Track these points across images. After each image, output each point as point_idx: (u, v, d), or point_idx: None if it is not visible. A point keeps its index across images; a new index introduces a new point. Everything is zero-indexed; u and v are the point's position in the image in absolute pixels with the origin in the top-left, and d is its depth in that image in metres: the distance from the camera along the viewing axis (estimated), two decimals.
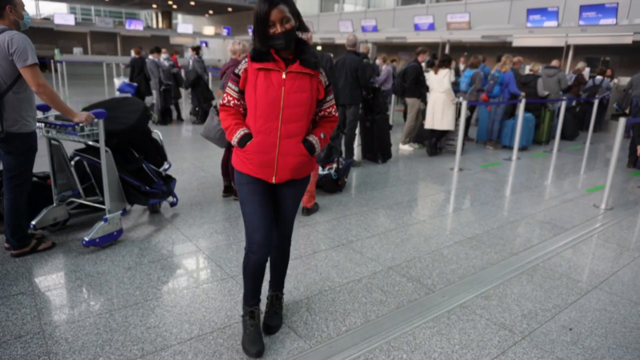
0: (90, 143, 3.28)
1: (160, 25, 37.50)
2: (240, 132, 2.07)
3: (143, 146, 3.80)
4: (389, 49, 21.25)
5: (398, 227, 4.00)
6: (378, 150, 6.42)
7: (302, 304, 2.67)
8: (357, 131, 6.51)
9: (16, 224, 3.10)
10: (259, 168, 2.07)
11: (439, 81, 6.73)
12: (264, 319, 2.40)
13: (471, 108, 8.72)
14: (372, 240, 3.68)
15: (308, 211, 4.22)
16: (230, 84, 2.11)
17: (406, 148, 7.61)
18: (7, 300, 2.60)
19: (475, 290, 2.90)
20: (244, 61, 2.07)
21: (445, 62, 6.78)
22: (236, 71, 2.08)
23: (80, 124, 3.08)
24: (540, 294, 2.90)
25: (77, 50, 24.40)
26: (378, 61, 10.05)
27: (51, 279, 2.88)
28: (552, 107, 8.63)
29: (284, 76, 2.00)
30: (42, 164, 3.61)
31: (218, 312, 2.56)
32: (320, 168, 5.08)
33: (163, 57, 8.93)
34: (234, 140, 2.09)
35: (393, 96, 9.97)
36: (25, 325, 2.38)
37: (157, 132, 4.02)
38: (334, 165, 5.00)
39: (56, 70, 16.40)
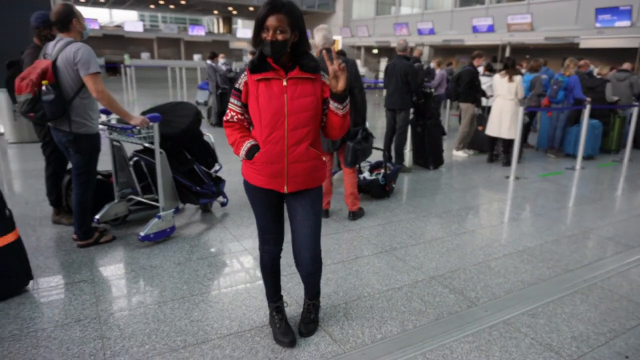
0: (147, 145, 3.49)
1: (220, 30, 38.94)
2: (247, 145, 2.08)
3: (195, 148, 3.99)
4: (446, 52, 20.75)
5: (445, 236, 3.91)
6: (429, 156, 6.31)
7: (340, 309, 2.69)
8: (408, 136, 6.44)
9: (82, 217, 3.37)
10: (270, 179, 2.08)
11: (510, 88, 6.41)
12: (299, 323, 2.45)
13: (530, 114, 8.32)
14: (417, 248, 3.63)
15: (354, 215, 4.23)
16: (232, 100, 2.11)
17: (460, 154, 7.40)
18: (71, 287, 2.84)
19: (521, 307, 2.78)
20: (243, 75, 2.07)
21: (515, 68, 6.47)
22: (237, 86, 2.08)
23: (137, 127, 3.30)
24: (595, 316, 2.72)
25: (144, 55, 25.93)
26: (432, 65, 9.86)
27: (110, 270, 3.10)
28: (623, 113, 8.04)
29: (284, 83, 2.00)
30: (106, 163, 3.89)
31: (258, 311, 2.64)
32: (367, 173, 5.08)
33: (221, 62, 9.29)
34: (242, 154, 2.09)
35: (448, 101, 9.74)
36: (84, 310, 2.58)
37: (209, 135, 4.20)
38: (382, 171, 4.97)
39: (125, 74, 17.52)
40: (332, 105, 2.06)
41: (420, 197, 5.05)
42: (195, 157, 3.99)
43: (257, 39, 1.97)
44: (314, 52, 4.26)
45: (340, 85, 2.00)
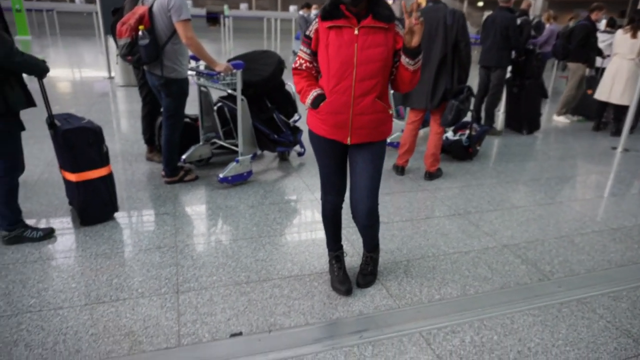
0: (229, 91, 3.63)
1: None
2: (314, 93, 2.06)
3: (276, 97, 4.06)
4: (562, 5, 18.47)
5: (528, 205, 3.64)
6: (524, 119, 5.80)
7: (401, 265, 2.67)
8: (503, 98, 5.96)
9: (169, 156, 3.65)
10: (333, 129, 2.06)
11: (633, 46, 5.55)
12: (357, 274, 2.49)
13: None
14: (493, 214, 3.43)
15: (430, 176, 4.08)
16: (302, 47, 2.08)
17: (561, 120, 6.71)
18: (155, 217, 3.14)
19: (602, 288, 2.53)
20: (314, 22, 2.02)
21: None
22: (307, 33, 2.04)
23: (221, 74, 3.42)
24: None
25: (243, 6, 26.46)
26: (543, 19, 8.82)
27: (190, 206, 3.36)
28: None
29: (356, 32, 1.92)
30: (195, 107, 4.12)
31: (320, 258, 2.71)
32: (451, 133, 4.83)
33: (313, 13, 9.20)
34: (308, 102, 2.07)
35: (556, 62, 8.75)
36: (164, 239, 2.85)
37: (291, 85, 4.24)
38: (467, 132, 4.69)
39: (224, 25, 18.13)
40: (404, 60, 1.95)
41: (506, 162, 4.71)
42: (276, 106, 4.07)
43: None
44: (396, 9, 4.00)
45: (415, 41, 1.88)
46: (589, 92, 6.59)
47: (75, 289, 2.31)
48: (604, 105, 6.08)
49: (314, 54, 2.07)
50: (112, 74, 8.16)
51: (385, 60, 1.99)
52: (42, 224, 2.94)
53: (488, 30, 5.43)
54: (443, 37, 3.55)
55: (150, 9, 3.23)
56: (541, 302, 2.37)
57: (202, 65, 3.84)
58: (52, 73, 8.52)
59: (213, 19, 22.64)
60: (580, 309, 2.34)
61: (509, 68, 5.65)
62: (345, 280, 2.39)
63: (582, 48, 6.21)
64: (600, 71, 6.73)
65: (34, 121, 4.43)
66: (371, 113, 2.04)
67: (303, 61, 2.10)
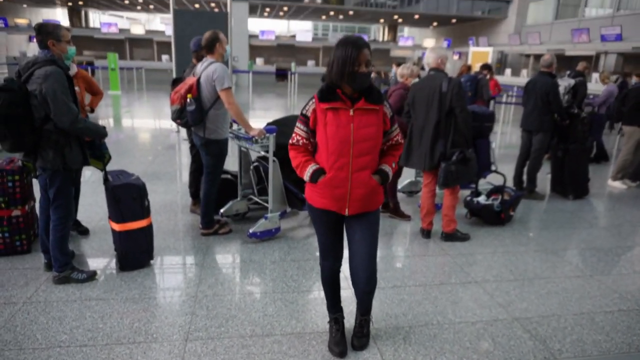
0: (263, 153, 3.98)
1: (386, 37, 39.69)
2: (311, 169, 2.25)
3: None
4: (637, 60, 17.64)
5: (552, 276, 3.52)
6: (569, 184, 5.61)
7: (402, 331, 2.72)
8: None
9: (206, 209, 4.02)
10: (333, 201, 2.24)
11: None
12: (352, 337, 2.58)
13: None
14: (512, 284, 3.37)
15: (446, 236, 4.11)
16: (299, 124, 2.27)
17: (616, 185, 6.37)
18: (185, 267, 3.46)
19: None
20: (311, 102, 2.22)
21: None
22: (304, 112, 2.24)
23: (255, 137, 3.80)
24: None
25: (310, 62, 28.11)
26: (600, 79, 8.57)
27: (218, 258, 3.65)
28: None
29: (351, 113, 2.14)
30: (236, 165, 4.52)
31: (324, 318, 2.83)
32: (483, 197, 4.81)
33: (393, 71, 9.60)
34: (306, 177, 2.27)
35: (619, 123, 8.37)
36: (187, 288, 3.14)
37: None
38: (500, 196, 4.66)
39: (291, 80, 19.32)
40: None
41: (541, 229, 4.57)
42: None
43: (352, 75, 2.11)
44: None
45: None
46: None
47: (102, 329, 2.63)
48: None
49: (311, 132, 2.28)
50: (179, 128, 9.04)
51: (378, 138, 2.23)
52: (90, 266, 3.36)
53: (529, 95, 5.45)
54: (438, 104, 3.77)
55: (198, 80, 3.73)
56: None
57: (243, 129, 4.26)
58: (132, 124, 9.62)
59: (282, 75, 24.21)
60: None
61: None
62: (341, 342, 2.49)
63: (637, 111, 5.98)
64: None
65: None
66: (367, 186, 2.23)
67: (300, 138, 2.30)
